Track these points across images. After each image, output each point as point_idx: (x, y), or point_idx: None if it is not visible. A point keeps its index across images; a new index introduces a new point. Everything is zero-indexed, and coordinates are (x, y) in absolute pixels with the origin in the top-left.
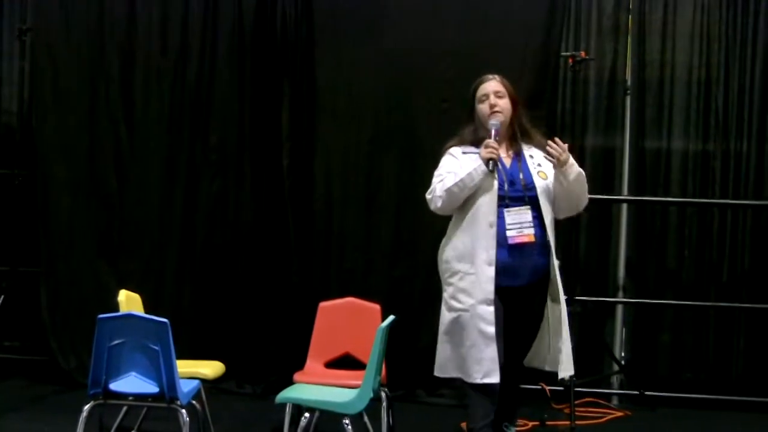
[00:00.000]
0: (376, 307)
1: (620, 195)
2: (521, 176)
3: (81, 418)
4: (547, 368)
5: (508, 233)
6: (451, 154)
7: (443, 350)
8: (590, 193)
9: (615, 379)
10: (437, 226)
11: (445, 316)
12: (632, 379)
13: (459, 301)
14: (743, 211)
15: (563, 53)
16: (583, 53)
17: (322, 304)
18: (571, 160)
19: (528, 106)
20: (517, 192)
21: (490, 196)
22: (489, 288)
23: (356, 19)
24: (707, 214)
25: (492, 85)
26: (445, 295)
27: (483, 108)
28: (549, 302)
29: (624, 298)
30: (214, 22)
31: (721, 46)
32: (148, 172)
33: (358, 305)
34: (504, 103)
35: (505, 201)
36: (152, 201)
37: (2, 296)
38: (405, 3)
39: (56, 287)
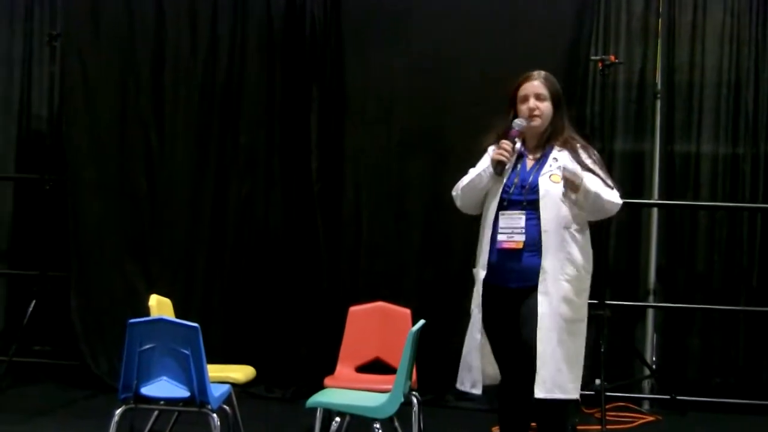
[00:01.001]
0: (406, 311)
1: (650, 199)
2: (531, 179)
3: (112, 423)
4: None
5: (499, 237)
6: (486, 152)
7: None
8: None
9: (646, 384)
10: (466, 230)
11: None
12: (663, 384)
13: (471, 307)
14: None
15: (592, 57)
16: (612, 57)
17: (352, 309)
18: (584, 185)
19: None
20: (519, 196)
21: (495, 199)
22: (480, 290)
23: (385, 23)
24: (737, 217)
25: (534, 85)
26: None
27: (523, 109)
28: (543, 311)
29: (654, 302)
30: (243, 26)
31: (750, 49)
32: (177, 176)
33: (388, 309)
34: (544, 107)
35: (504, 203)
36: (182, 204)
37: (33, 301)
38: (433, 6)
39: (86, 291)
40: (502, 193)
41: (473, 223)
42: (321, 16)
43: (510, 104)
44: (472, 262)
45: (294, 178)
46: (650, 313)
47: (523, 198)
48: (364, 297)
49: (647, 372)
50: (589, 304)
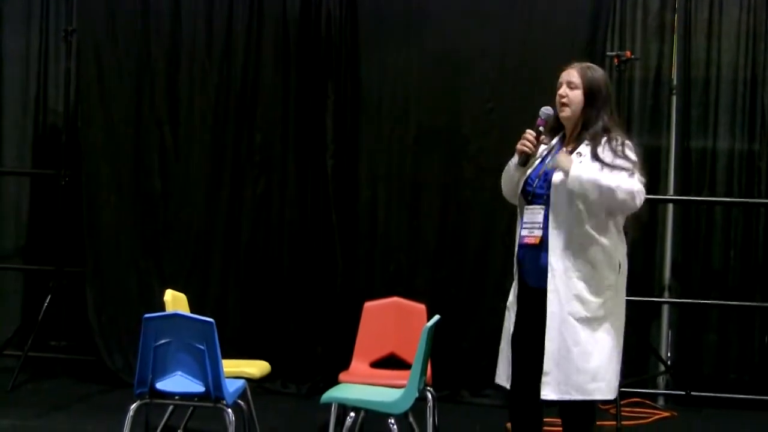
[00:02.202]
0: (421, 307)
1: (666, 195)
2: (552, 172)
3: (127, 418)
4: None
5: (522, 232)
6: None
7: None
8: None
9: (661, 380)
10: (481, 227)
11: None
12: (678, 380)
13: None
14: None
15: (608, 53)
16: (628, 53)
17: (368, 304)
18: (572, 172)
19: None
20: (542, 189)
21: (521, 192)
22: (515, 286)
23: (400, 21)
24: (753, 214)
25: (569, 73)
26: None
27: (556, 96)
28: (552, 310)
29: (670, 298)
30: (258, 23)
31: (767, 45)
32: (192, 172)
33: (403, 305)
34: (574, 95)
35: (529, 197)
36: (197, 201)
37: (49, 296)
38: (448, 3)
39: (102, 287)
40: (526, 185)
41: (488, 220)
42: (336, 14)
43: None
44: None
45: (309, 175)
46: (665, 309)
47: (544, 192)
48: (379, 293)
49: (662, 368)
50: None
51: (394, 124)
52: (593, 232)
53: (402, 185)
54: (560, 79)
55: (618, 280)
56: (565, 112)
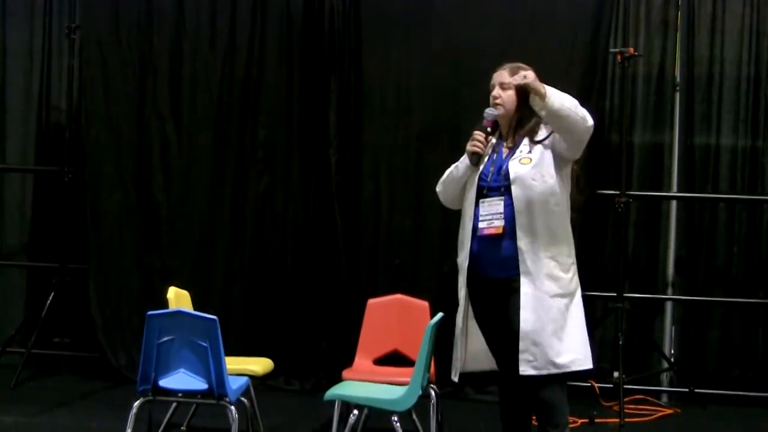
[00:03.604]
0: (425, 304)
1: (669, 192)
2: (504, 166)
3: (130, 415)
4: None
5: (480, 224)
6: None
7: None
8: (639, 190)
9: (664, 377)
10: None
11: None
12: (682, 377)
13: (459, 294)
14: None
15: (612, 50)
16: (631, 50)
17: (371, 301)
18: (548, 93)
19: None
20: (497, 182)
21: (473, 189)
22: (463, 281)
23: (403, 17)
24: (756, 210)
25: (500, 75)
26: None
27: (490, 98)
28: (525, 290)
29: (673, 295)
30: (262, 19)
31: None
32: (196, 169)
33: (407, 302)
34: (507, 96)
35: (483, 191)
36: (200, 197)
37: (52, 293)
38: (451, 0)
39: (105, 284)
40: (480, 181)
41: None
42: (340, 10)
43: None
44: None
45: (313, 171)
46: (669, 305)
47: (500, 184)
48: (383, 290)
49: (666, 365)
50: (607, 296)
51: (398, 119)
52: (556, 211)
53: (405, 181)
54: (492, 81)
55: (573, 253)
56: (500, 111)
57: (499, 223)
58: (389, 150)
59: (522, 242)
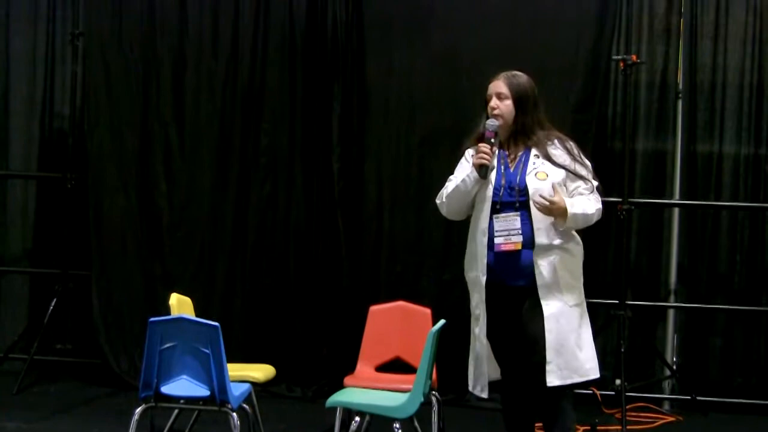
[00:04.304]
0: (427, 310)
1: (672, 199)
2: (518, 180)
3: (132, 421)
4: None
5: (496, 240)
6: (465, 156)
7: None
8: (642, 196)
9: (666, 384)
10: None
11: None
12: (684, 384)
13: (473, 312)
14: None
15: (614, 57)
16: (634, 57)
17: (373, 308)
18: (570, 212)
19: (578, 109)
20: (511, 197)
21: (486, 203)
22: (482, 296)
23: (406, 23)
24: (759, 218)
25: (496, 85)
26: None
27: (488, 108)
28: (546, 302)
29: (675, 302)
30: (265, 25)
31: None
32: (198, 175)
33: (409, 309)
34: (505, 106)
35: (496, 207)
36: (203, 204)
37: (54, 299)
38: (454, 5)
39: (108, 290)
40: (492, 196)
41: None
42: (342, 16)
43: (484, 106)
44: (465, 268)
45: (315, 177)
46: (671, 313)
47: (515, 200)
48: (385, 296)
49: (668, 372)
50: (609, 304)
51: (400, 125)
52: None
53: (408, 187)
54: (488, 92)
55: (581, 265)
56: (499, 121)
57: (517, 239)
58: (392, 157)
59: (540, 257)
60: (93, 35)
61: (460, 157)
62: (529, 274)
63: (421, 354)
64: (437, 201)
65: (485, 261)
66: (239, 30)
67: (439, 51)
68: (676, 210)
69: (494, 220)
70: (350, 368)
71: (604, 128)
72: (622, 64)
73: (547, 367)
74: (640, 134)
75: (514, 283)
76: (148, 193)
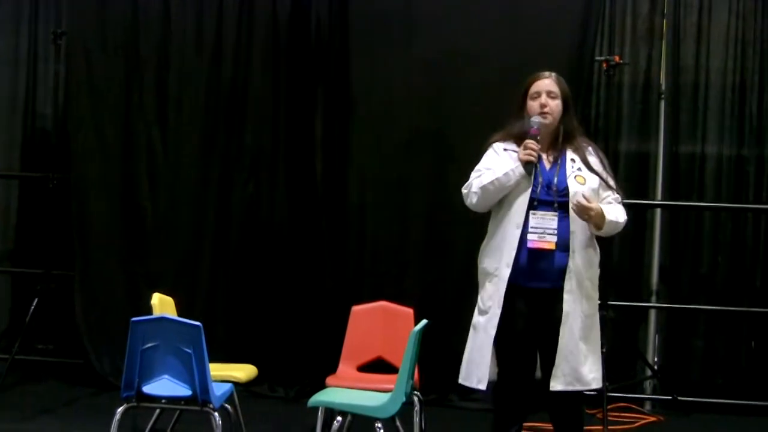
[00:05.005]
0: (409, 311)
1: (654, 200)
2: (556, 180)
3: (114, 421)
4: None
5: (529, 236)
6: (493, 149)
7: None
8: (624, 198)
9: (648, 384)
10: (469, 230)
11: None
12: (665, 384)
13: (483, 303)
14: None
15: (597, 58)
16: (617, 58)
17: (355, 308)
18: (607, 219)
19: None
20: (549, 196)
21: (522, 198)
22: (501, 291)
23: (390, 25)
24: (741, 219)
25: (546, 83)
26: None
27: (533, 105)
28: (568, 309)
29: (657, 303)
30: (248, 26)
31: (756, 51)
32: (181, 175)
33: (391, 309)
34: (555, 105)
35: (534, 203)
36: (186, 204)
37: (36, 299)
38: (438, 8)
39: (90, 290)
40: (531, 192)
41: (476, 223)
42: (326, 17)
43: (520, 103)
44: (482, 259)
45: (298, 178)
46: (653, 313)
47: (553, 199)
48: (368, 296)
49: (649, 373)
50: None
51: (384, 127)
52: (594, 235)
53: (391, 188)
54: (535, 88)
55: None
56: (548, 120)
57: (552, 239)
58: (375, 157)
59: (573, 262)
60: (75, 35)
61: (485, 150)
62: (556, 276)
63: (403, 354)
64: (463, 191)
65: (513, 254)
66: (223, 31)
67: (423, 53)
68: (659, 211)
69: (531, 216)
70: (332, 368)
71: (587, 129)
72: (605, 65)
73: (554, 372)
74: (623, 135)
75: (537, 285)
76: (130, 193)
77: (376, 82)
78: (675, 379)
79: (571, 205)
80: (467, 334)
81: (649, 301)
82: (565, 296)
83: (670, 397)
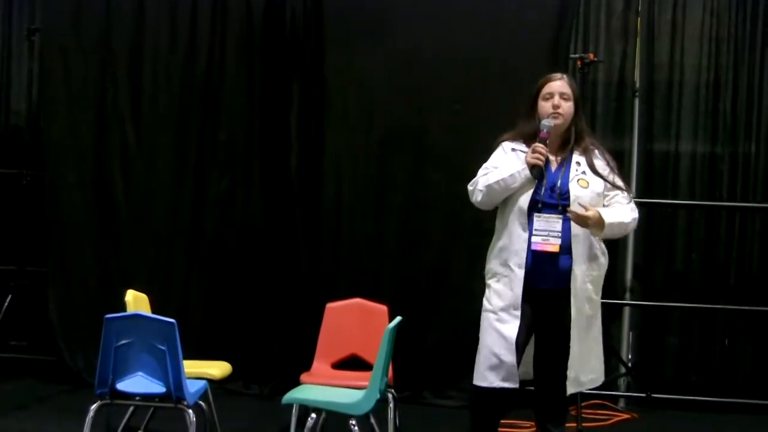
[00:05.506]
0: (383, 308)
1: None
2: (560, 183)
3: (88, 418)
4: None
5: (533, 239)
6: (502, 148)
7: (477, 356)
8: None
9: (622, 382)
10: (444, 228)
11: (481, 318)
12: (639, 382)
13: (490, 303)
14: (751, 214)
15: (572, 55)
16: (591, 55)
17: (330, 305)
18: (606, 223)
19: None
20: (553, 199)
21: (527, 199)
22: (518, 292)
23: (366, 20)
24: (715, 216)
25: (559, 84)
26: (484, 296)
27: (545, 106)
28: (573, 313)
29: (631, 300)
30: (223, 21)
31: (729, 49)
32: (156, 171)
33: (366, 306)
34: (567, 107)
35: (538, 206)
36: (160, 200)
37: (10, 296)
38: (414, 5)
39: (64, 287)
40: (534, 195)
41: (451, 221)
42: (301, 12)
43: (531, 104)
44: (489, 258)
45: (273, 174)
46: (627, 311)
47: (557, 202)
48: (343, 293)
49: (623, 370)
50: None
51: (359, 122)
52: (602, 239)
53: (366, 185)
54: (548, 89)
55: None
56: (560, 121)
57: (556, 242)
58: (351, 154)
59: (577, 265)
60: (49, 31)
61: (495, 148)
62: (560, 279)
63: (378, 351)
64: (469, 187)
65: (524, 255)
66: (197, 25)
67: (399, 48)
68: None
69: (535, 218)
70: (307, 365)
71: None
72: (579, 63)
73: (569, 375)
74: (598, 132)
75: (541, 286)
76: (105, 189)
77: (351, 77)
78: (649, 377)
79: (568, 212)
80: (442, 331)
81: (623, 299)
82: (572, 300)
83: (644, 395)
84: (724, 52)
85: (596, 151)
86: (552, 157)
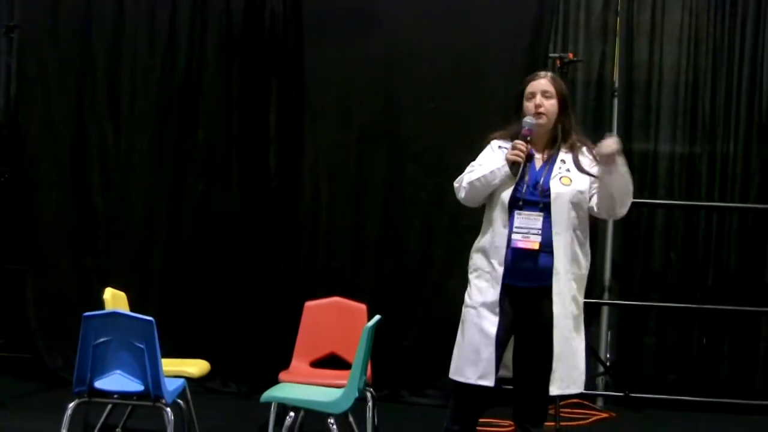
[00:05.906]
0: (362, 306)
1: None
2: (542, 181)
3: (66, 416)
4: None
5: (514, 236)
6: (490, 146)
7: (455, 350)
8: None
9: (600, 381)
10: (423, 226)
11: (462, 313)
12: (617, 381)
13: (471, 298)
14: (729, 214)
15: (551, 54)
16: (570, 55)
17: (308, 304)
18: (619, 160)
19: (516, 107)
20: (535, 196)
21: (507, 196)
22: (497, 288)
23: (344, 20)
24: (693, 216)
25: (542, 83)
26: (466, 291)
27: (528, 106)
28: (557, 311)
29: (610, 299)
30: (202, 20)
31: (708, 49)
32: (134, 170)
33: (344, 305)
34: (550, 105)
35: (519, 203)
36: (138, 198)
37: None
38: (392, 3)
39: (42, 285)
40: (515, 192)
41: (430, 218)
42: (280, 11)
43: (518, 104)
44: (472, 254)
45: (252, 173)
46: (605, 310)
47: (538, 199)
48: (322, 291)
49: (601, 369)
50: None
51: (338, 122)
52: (582, 237)
53: (345, 183)
54: (531, 89)
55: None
56: (542, 120)
57: (536, 239)
58: (329, 152)
59: (558, 263)
60: (28, 28)
61: (485, 146)
62: (541, 277)
63: (356, 350)
64: (455, 184)
65: (503, 252)
66: (176, 24)
67: (378, 48)
68: None
69: (516, 216)
70: (285, 364)
71: None
72: (559, 62)
73: (552, 376)
74: None
75: (522, 284)
76: (83, 188)
77: (330, 76)
78: (627, 376)
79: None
80: (420, 329)
81: (601, 298)
82: (554, 298)
83: (622, 394)
84: (703, 52)
85: (584, 149)
86: (538, 155)
